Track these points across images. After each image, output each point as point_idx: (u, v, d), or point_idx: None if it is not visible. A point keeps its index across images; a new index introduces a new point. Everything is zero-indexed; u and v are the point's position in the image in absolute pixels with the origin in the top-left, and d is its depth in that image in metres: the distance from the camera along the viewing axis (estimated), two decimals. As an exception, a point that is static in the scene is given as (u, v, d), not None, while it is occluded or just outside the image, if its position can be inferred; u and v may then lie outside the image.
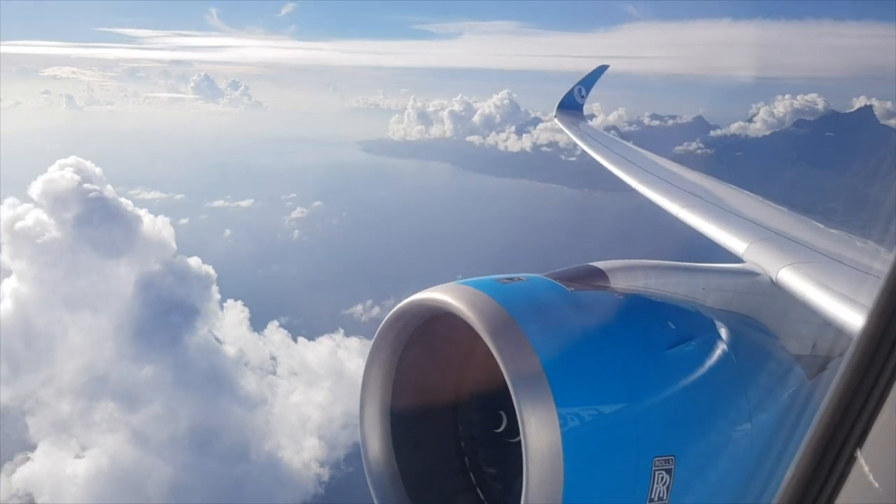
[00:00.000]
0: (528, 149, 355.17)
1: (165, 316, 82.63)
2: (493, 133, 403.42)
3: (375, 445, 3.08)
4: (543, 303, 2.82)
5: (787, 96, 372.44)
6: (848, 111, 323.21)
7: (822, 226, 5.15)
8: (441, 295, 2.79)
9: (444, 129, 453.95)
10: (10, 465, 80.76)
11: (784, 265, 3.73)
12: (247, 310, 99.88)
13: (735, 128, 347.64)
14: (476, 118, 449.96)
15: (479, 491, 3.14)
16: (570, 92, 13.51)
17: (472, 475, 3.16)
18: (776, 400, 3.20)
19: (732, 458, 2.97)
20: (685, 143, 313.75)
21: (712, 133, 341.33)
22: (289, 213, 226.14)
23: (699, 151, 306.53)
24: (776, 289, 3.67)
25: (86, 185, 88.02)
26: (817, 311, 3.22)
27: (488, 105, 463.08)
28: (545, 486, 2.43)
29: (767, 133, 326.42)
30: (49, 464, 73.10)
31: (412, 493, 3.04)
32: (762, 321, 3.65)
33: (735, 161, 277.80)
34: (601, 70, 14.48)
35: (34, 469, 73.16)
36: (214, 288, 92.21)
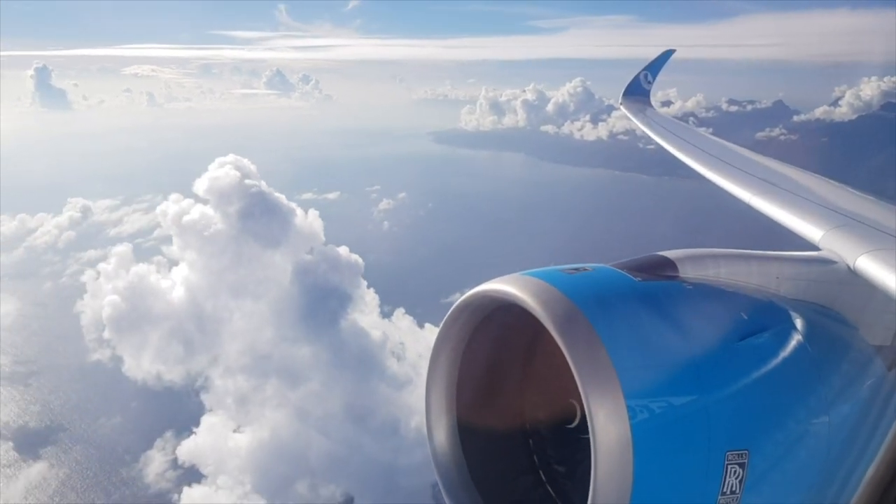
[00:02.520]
0: (604, 137, 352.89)
1: (322, 301, 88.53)
2: (568, 122, 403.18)
3: (441, 437, 3.09)
4: (610, 293, 2.78)
5: (873, 78, 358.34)
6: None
7: None
8: (505, 286, 2.76)
9: (517, 118, 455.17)
10: (162, 441, 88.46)
11: (863, 252, 3.62)
12: (377, 297, 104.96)
13: (819, 112, 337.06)
14: (550, 107, 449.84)
15: (546, 483, 3.15)
16: (636, 78, 13.23)
17: (539, 466, 3.17)
18: (855, 392, 3.15)
19: (809, 452, 2.91)
20: (767, 129, 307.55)
21: (795, 118, 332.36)
22: (376, 205, 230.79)
23: (782, 137, 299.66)
24: (854, 277, 3.57)
25: (247, 181, 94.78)
26: None
27: (561, 94, 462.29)
28: (614, 478, 2.39)
29: (854, 117, 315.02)
30: (212, 437, 79.88)
31: (479, 484, 3.06)
32: (839, 311, 3.57)
33: (821, 147, 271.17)
34: (667, 55, 14.18)
35: (198, 442, 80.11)
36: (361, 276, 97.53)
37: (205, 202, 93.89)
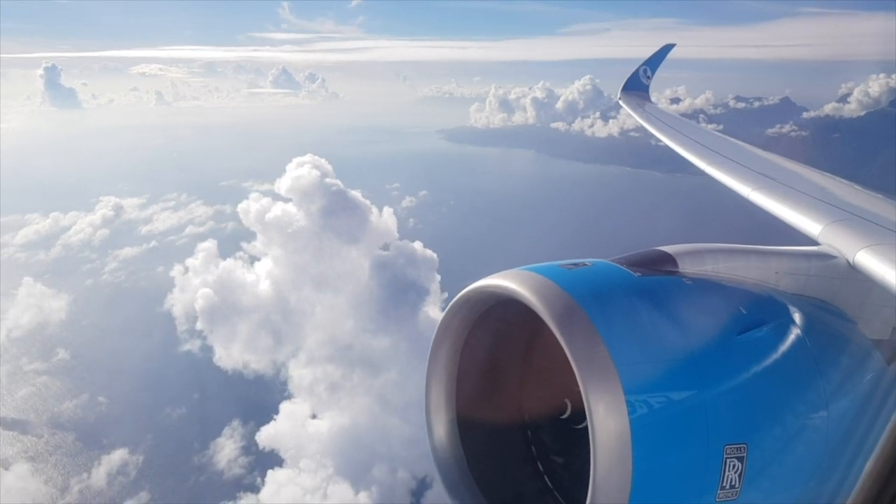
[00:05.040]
0: (615, 134, 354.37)
1: (401, 294, 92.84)
2: (578, 119, 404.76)
3: (441, 431, 3.10)
4: (609, 288, 2.77)
5: (881, 75, 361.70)
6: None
7: None
8: (505, 281, 2.76)
9: (526, 116, 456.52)
10: (230, 428, 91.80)
11: (862, 247, 3.58)
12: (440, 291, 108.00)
13: (829, 109, 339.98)
14: (559, 105, 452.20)
15: (546, 477, 3.16)
16: (636, 73, 13.16)
17: (538, 461, 3.18)
18: (854, 386, 3.13)
19: (808, 446, 2.90)
20: (777, 126, 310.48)
21: (805, 115, 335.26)
22: (398, 203, 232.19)
23: (793, 134, 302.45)
24: (853, 272, 3.54)
25: (327, 180, 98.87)
26: None
27: (571, 91, 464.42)
28: (613, 473, 2.38)
29: (862, 114, 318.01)
30: (291, 424, 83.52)
31: (478, 477, 3.07)
32: (838, 306, 3.56)
33: (832, 143, 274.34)
34: (666, 50, 14.13)
35: (277, 428, 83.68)
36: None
37: (286, 200, 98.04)
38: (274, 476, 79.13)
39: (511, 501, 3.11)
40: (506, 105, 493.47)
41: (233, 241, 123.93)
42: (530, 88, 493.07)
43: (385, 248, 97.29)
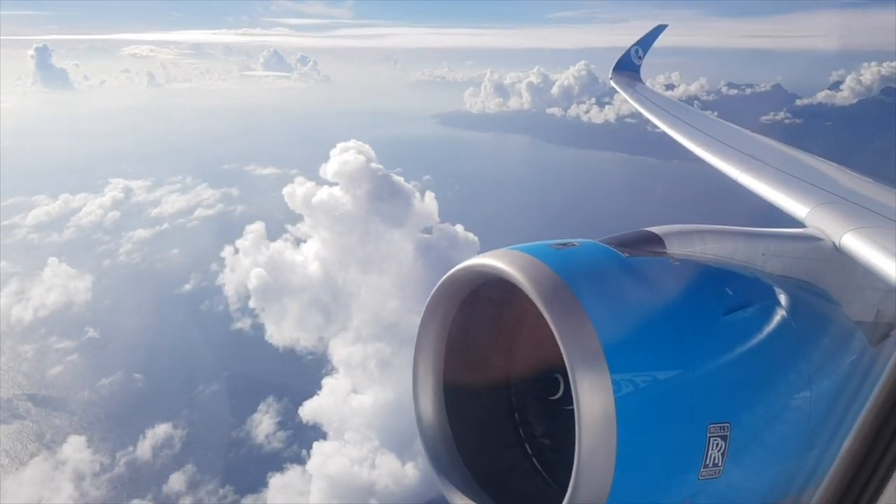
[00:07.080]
0: (612, 120, 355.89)
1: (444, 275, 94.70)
2: (574, 105, 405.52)
3: (428, 409, 3.15)
4: (597, 268, 2.79)
5: (872, 63, 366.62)
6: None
7: (892, 189, 4.90)
8: (493, 261, 2.77)
9: (521, 101, 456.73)
10: (265, 405, 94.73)
11: (848, 230, 3.61)
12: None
13: (821, 96, 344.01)
14: (555, 90, 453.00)
15: (531, 455, 3.21)
16: (627, 53, 13.01)
17: (524, 439, 3.23)
18: (837, 367, 3.19)
19: (790, 425, 2.95)
20: (771, 113, 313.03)
21: (798, 102, 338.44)
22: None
23: (787, 121, 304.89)
24: (839, 254, 3.57)
25: (373, 165, 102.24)
26: (882, 276, 3.14)
27: (566, 77, 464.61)
28: (598, 451, 2.41)
29: (855, 101, 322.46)
30: (334, 398, 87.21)
31: (465, 455, 3.11)
32: (824, 287, 3.57)
33: (825, 131, 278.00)
34: (659, 30, 14.03)
35: (321, 403, 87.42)
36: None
37: (332, 184, 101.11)
38: (320, 448, 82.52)
39: (497, 479, 3.15)
40: (501, 90, 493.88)
41: (240, 225, 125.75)
42: (525, 73, 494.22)
43: (427, 231, 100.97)
